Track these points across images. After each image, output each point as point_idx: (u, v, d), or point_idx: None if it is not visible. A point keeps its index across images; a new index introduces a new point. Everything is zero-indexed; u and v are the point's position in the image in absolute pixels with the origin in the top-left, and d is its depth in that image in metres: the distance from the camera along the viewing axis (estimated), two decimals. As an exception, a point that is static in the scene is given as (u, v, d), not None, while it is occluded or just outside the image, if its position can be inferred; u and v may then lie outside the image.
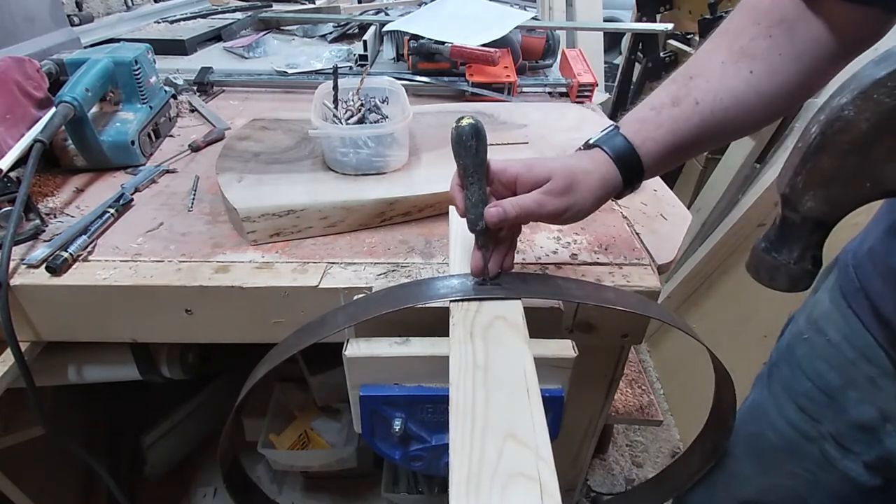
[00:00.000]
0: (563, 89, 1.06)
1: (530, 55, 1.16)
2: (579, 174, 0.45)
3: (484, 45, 0.96)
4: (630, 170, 0.47)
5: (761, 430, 0.59)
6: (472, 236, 0.46)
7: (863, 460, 0.51)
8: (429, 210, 0.64)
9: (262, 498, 0.61)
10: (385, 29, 1.09)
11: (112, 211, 0.62)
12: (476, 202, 0.44)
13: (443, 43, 0.99)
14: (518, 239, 0.50)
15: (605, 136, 0.48)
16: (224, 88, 1.06)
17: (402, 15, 1.34)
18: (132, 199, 0.66)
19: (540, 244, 0.61)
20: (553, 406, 0.45)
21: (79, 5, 1.36)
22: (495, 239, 0.47)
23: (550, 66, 1.19)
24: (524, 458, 0.31)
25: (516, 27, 1.07)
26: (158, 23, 1.41)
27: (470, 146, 0.42)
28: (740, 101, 0.45)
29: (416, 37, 1.04)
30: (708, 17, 1.59)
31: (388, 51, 1.20)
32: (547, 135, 0.80)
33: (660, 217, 0.68)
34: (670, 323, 0.46)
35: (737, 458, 0.62)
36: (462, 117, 0.43)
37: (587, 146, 0.49)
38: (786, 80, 0.44)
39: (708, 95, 0.45)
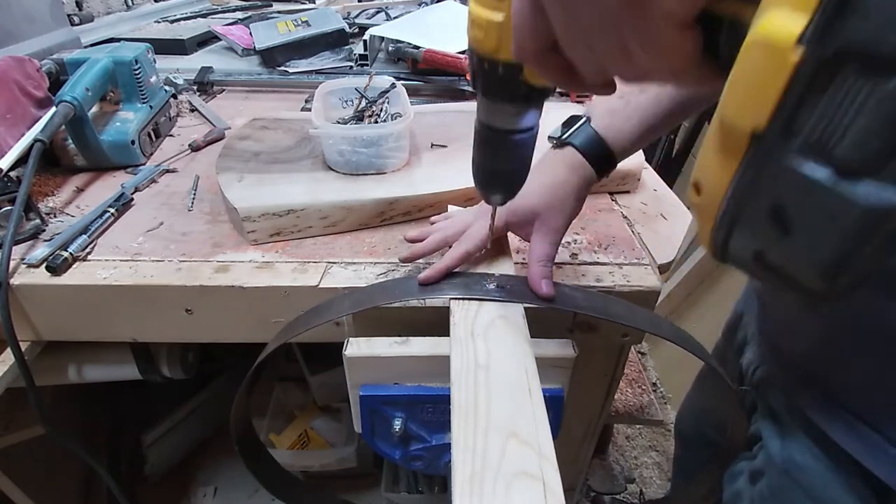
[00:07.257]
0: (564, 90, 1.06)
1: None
2: (559, 191, 0.47)
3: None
4: (603, 163, 0.48)
5: None
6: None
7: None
8: (429, 210, 0.64)
9: (273, 464, 0.60)
10: (370, 33, 1.10)
11: (112, 210, 0.62)
12: None
13: (418, 48, 1.01)
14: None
15: (578, 132, 0.49)
16: (224, 88, 1.06)
17: (400, 15, 1.34)
18: (132, 199, 0.66)
19: (540, 244, 0.61)
20: (553, 406, 0.45)
21: (79, 5, 1.36)
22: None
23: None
24: (527, 457, 0.31)
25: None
26: (158, 22, 1.41)
27: None
28: None
29: (396, 41, 1.07)
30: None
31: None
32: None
33: (660, 217, 0.68)
34: (680, 344, 0.44)
35: None
36: None
37: (559, 142, 0.50)
38: None
39: None
